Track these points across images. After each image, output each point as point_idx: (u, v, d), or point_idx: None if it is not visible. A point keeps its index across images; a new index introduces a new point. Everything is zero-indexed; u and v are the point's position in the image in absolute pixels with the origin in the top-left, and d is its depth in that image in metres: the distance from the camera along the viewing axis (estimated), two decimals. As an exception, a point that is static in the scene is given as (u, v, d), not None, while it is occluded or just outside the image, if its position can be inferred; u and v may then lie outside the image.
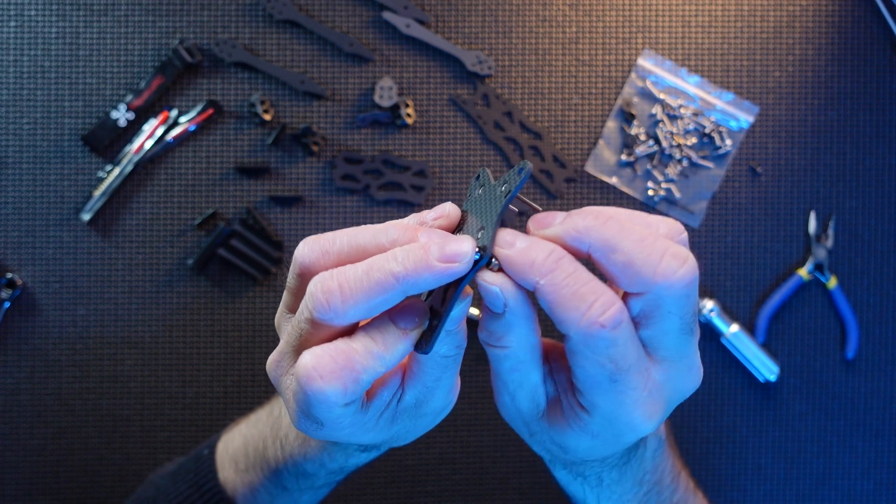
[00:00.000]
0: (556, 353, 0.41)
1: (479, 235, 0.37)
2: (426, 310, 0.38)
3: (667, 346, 0.36)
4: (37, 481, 0.85)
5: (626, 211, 0.37)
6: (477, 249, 0.36)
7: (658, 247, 0.34)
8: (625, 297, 0.36)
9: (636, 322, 0.36)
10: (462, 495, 0.88)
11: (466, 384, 0.86)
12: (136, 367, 0.85)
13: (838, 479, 0.90)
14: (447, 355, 0.39)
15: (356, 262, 0.36)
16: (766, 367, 0.87)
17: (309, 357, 0.35)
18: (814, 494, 0.90)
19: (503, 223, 0.37)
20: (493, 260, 0.36)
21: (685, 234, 0.37)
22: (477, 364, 0.86)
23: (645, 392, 0.36)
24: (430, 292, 0.40)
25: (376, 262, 0.35)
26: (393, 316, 0.37)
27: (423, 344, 0.37)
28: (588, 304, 0.33)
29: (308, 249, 0.38)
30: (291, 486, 0.53)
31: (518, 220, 0.39)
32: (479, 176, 0.40)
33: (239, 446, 0.57)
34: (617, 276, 0.34)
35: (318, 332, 0.37)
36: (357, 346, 0.36)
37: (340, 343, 0.36)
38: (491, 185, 0.38)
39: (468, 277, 0.36)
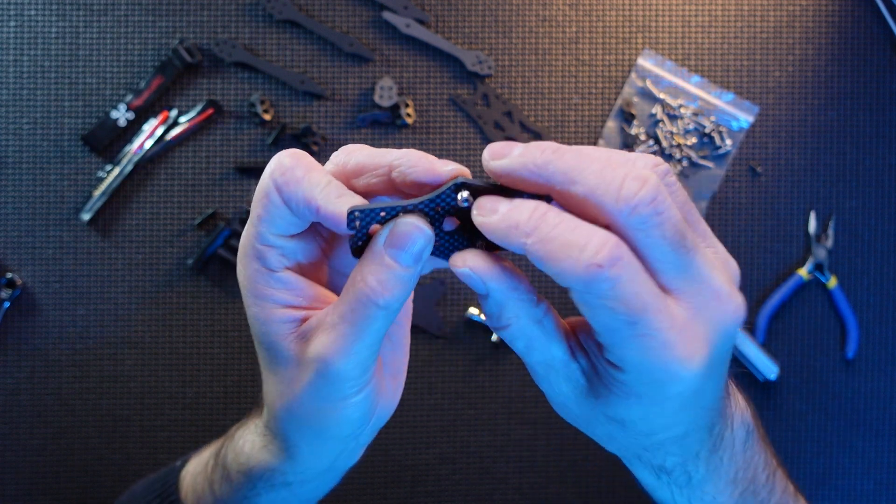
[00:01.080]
0: (581, 324, 0.38)
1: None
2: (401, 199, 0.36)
3: (667, 271, 0.33)
4: (37, 481, 0.85)
5: (598, 148, 0.34)
6: (464, 176, 0.36)
7: (618, 173, 0.32)
8: None
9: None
10: (462, 495, 0.88)
11: (466, 384, 0.86)
12: (136, 367, 0.85)
13: (838, 479, 0.90)
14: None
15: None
16: (766, 367, 0.87)
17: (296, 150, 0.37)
18: (814, 494, 0.90)
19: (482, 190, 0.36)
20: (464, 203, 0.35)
21: (664, 166, 0.35)
22: (476, 364, 0.86)
23: (673, 331, 0.32)
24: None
25: (392, 151, 0.37)
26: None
27: (354, 212, 0.35)
28: (580, 248, 0.31)
29: (351, 148, 0.39)
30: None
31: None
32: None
33: (203, 457, 0.54)
34: (580, 210, 0.33)
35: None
36: (325, 176, 0.36)
37: (319, 166, 0.37)
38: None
39: (441, 193, 0.35)
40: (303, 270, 0.39)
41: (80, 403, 0.85)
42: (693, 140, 0.88)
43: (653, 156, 0.35)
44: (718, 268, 0.35)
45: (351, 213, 0.34)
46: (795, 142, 0.89)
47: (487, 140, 0.87)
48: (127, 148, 0.84)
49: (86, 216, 0.83)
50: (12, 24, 0.84)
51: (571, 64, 0.88)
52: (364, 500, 0.87)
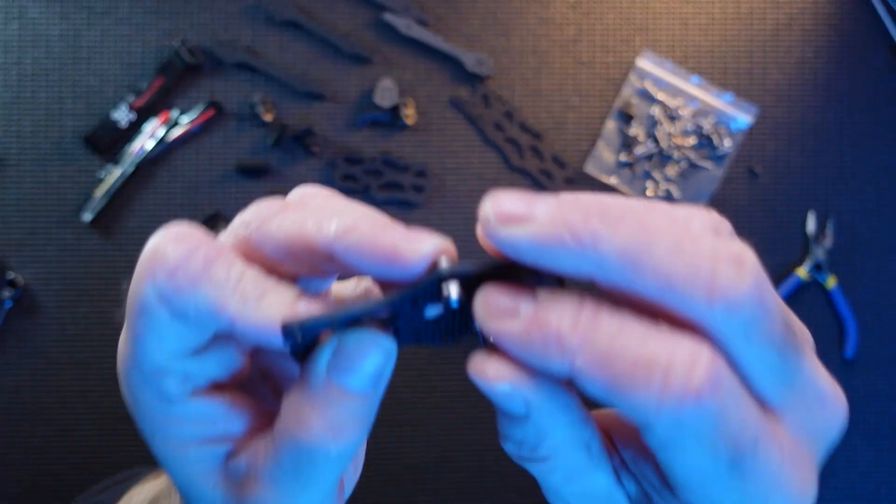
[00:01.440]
0: (622, 431, 0.28)
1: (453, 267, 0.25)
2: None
3: (771, 382, 0.24)
4: (38, 480, 0.85)
5: (634, 201, 0.24)
6: (449, 258, 0.25)
7: (704, 251, 0.22)
8: None
9: None
10: (462, 495, 0.88)
11: (466, 384, 0.86)
12: (137, 367, 0.86)
13: (838, 479, 0.90)
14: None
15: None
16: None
17: (182, 225, 0.27)
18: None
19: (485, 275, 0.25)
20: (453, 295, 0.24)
21: (728, 225, 0.25)
22: (477, 364, 0.87)
23: (784, 464, 0.24)
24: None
25: (337, 209, 0.27)
26: (306, 298, 0.26)
27: (291, 328, 0.25)
28: (662, 370, 0.21)
29: (308, 188, 0.30)
30: None
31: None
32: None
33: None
34: (639, 302, 0.23)
35: (230, 238, 0.28)
36: (236, 267, 0.26)
37: (225, 246, 0.27)
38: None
39: (412, 292, 0.25)
40: (222, 386, 0.29)
41: (81, 403, 0.85)
42: (692, 141, 0.88)
43: (704, 209, 0.25)
44: (818, 362, 0.26)
45: (286, 326, 0.25)
46: (794, 142, 0.89)
47: (487, 140, 0.87)
48: (128, 149, 0.84)
49: (87, 217, 0.84)
50: (14, 25, 0.84)
51: (571, 65, 0.88)
52: (364, 500, 0.87)
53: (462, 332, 0.27)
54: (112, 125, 0.84)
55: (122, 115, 0.84)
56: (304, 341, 0.25)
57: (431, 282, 0.25)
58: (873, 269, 0.90)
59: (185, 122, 0.84)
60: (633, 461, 0.27)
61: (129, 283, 0.28)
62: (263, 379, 0.33)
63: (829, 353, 0.90)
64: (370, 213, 0.26)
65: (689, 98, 0.88)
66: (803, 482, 0.25)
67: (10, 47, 0.84)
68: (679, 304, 0.22)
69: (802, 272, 0.88)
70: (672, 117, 0.88)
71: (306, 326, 0.25)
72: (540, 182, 0.87)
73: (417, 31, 0.86)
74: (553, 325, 0.22)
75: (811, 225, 0.89)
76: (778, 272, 0.89)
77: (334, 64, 0.86)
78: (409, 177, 0.86)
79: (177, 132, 0.84)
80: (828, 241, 0.89)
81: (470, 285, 0.25)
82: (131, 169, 0.84)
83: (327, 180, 0.86)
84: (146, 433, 0.29)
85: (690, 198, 0.88)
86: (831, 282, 0.88)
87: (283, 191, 0.86)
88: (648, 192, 0.88)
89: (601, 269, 0.22)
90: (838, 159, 0.90)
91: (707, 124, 0.88)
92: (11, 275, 0.83)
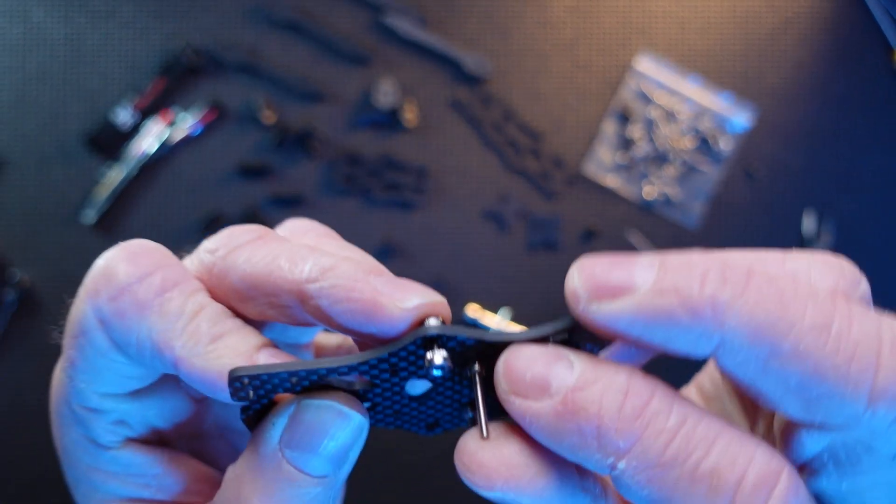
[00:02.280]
0: None
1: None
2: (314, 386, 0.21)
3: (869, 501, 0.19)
4: (40, 479, 0.86)
5: (749, 253, 0.20)
6: (440, 318, 0.21)
7: (866, 334, 0.17)
8: (784, 430, 0.20)
9: (809, 469, 0.19)
10: (462, 495, 0.88)
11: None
12: (139, 367, 0.86)
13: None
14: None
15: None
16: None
17: (147, 241, 0.23)
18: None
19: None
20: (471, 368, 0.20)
21: (865, 282, 0.22)
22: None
23: None
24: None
25: (314, 248, 0.23)
26: (270, 349, 0.22)
27: (239, 375, 0.20)
28: (728, 495, 0.17)
29: (298, 223, 0.26)
30: None
31: None
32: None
33: None
34: (784, 397, 0.18)
35: (193, 267, 0.24)
36: (195, 299, 0.22)
37: (188, 273, 0.23)
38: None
39: (392, 350, 0.20)
40: (160, 436, 0.25)
41: (83, 402, 0.86)
42: (690, 142, 0.88)
43: (830, 257, 0.22)
44: None
45: (236, 378, 0.20)
46: (791, 144, 0.90)
47: (486, 141, 0.88)
48: (131, 150, 0.85)
49: (90, 217, 0.84)
50: (18, 28, 0.85)
51: (569, 67, 0.89)
52: (364, 499, 0.87)
53: (454, 419, 0.22)
54: (114, 127, 0.84)
55: (125, 117, 0.84)
56: (255, 399, 0.20)
57: (413, 343, 0.20)
58: (871, 270, 0.90)
59: (188, 123, 0.85)
60: None
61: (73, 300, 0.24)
62: (219, 434, 0.28)
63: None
64: (357, 257, 0.22)
65: (686, 100, 0.89)
66: None
67: (14, 50, 0.85)
68: (824, 400, 0.16)
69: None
70: (670, 119, 0.89)
71: (259, 380, 0.20)
72: (538, 183, 0.88)
73: (417, 34, 0.86)
74: (593, 411, 0.17)
75: (808, 225, 0.89)
76: (775, 272, 0.90)
77: (335, 66, 0.87)
78: (409, 177, 0.87)
79: (179, 133, 0.85)
80: (825, 242, 0.89)
81: (466, 356, 0.20)
82: (134, 170, 0.84)
83: (328, 181, 0.87)
84: (69, 480, 0.25)
85: (688, 198, 0.89)
86: (828, 282, 0.89)
87: (284, 191, 0.86)
88: (646, 193, 0.88)
89: (725, 348, 0.17)
90: (835, 160, 0.90)
91: (705, 126, 0.88)
92: (15, 275, 0.84)
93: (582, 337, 0.19)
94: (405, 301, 0.20)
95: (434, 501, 0.88)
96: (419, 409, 0.22)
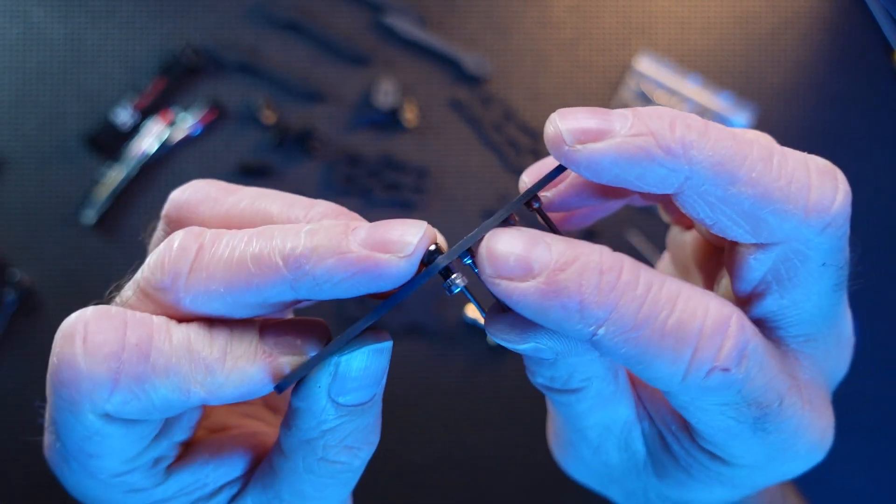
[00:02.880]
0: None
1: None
2: (323, 333, 0.24)
3: (813, 318, 0.23)
4: (41, 479, 0.86)
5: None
6: (433, 246, 0.22)
7: (798, 163, 0.22)
8: (730, 254, 0.23)
9: (756, 295, 0.23)
10: (462, 495, 0.88)
11: (465, 383, 0.87)
12: (139, 367, 0.86)
13: (837, 479, 0.91)
14: (331, 443, 0.24)
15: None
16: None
17: (80, 312, 0.23)
18: (813, 495, 0.91)
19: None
20: (471, 266, 0.22)
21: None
22: (476, 364, 0.87)
23: (804, 411, 0.23)
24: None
25: (265, 232, 0.22)
26: (265, 326, 0.23)
27: (286, 384, 0.23)
28: (692, 342, 0.20)
29: (192, 190, 0.26)
30: None
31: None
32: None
33: None
34: (738, 221, 0.21)
35: (144, 306, 0.23)
36: (176, 335, 0.22)
37: (148, 316, 0.22)
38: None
39: (408, 290, 0.22)
40: (192, 441, 0.26)
41: (83, 402, 0.86)
42: (690, 142, 0.89)
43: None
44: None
45: (282, 385, 0.22)
46: (791, 144, 0.89)
47: (486, 141, 0.88)
48: (130, 150, 0.85)
49: (90, 217, 0.84)
50: (18, 28, 0.85)
51: (569, 67, 0.89)
52: (364, 499, 0.87)
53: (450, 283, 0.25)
54: (114, 126, 0.84)
55: (125, 117, 0.84)
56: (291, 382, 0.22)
57: (429, 275, 0.22)
58: (870, 270, 0.90)
59: (188, 123, 0.85)
60: (649, 400, 0.26)
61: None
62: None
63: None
64: (311, 214, 0.23)
65: (686, 100, 0.89)
66: (823, 425, 0.24)
67: (13, 49, 0.85)
68: (772, 217, 0.20)
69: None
70: (670, 119, 0.89)
71: (295, 373, 0.22)
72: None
73: (417, 33, 0.86)
74: (573, 289, 0.20)
75: (808, 225, 0.89)
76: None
77: (335, 66, 0.87)
78: (409, 177, 0.87)
79: (179, 133, 0.85)
80: (825, 242, 0.89)
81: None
82: (134, 170, 0.84)
83: (327, 181, 0.87)
84: None
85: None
86: (828, 282, 0.89)
87: (284, 191, 0.86)
88: (647, 193, 0.88)
89: (692, 181, 0.20)
90: (835, 160, 0.90)
91: (705, 125, 0.88)
92: (15, 275, 0.84)
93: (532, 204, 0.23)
94: (403, 249, 0.21)
95: (434, 501, 0.88)
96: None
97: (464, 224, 0.87)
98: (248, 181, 0.86)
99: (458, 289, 0.22)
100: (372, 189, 0.86)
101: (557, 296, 0.20)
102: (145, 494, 0.24)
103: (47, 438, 0.24)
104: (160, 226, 0.27)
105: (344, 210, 0.25)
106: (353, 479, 0.26)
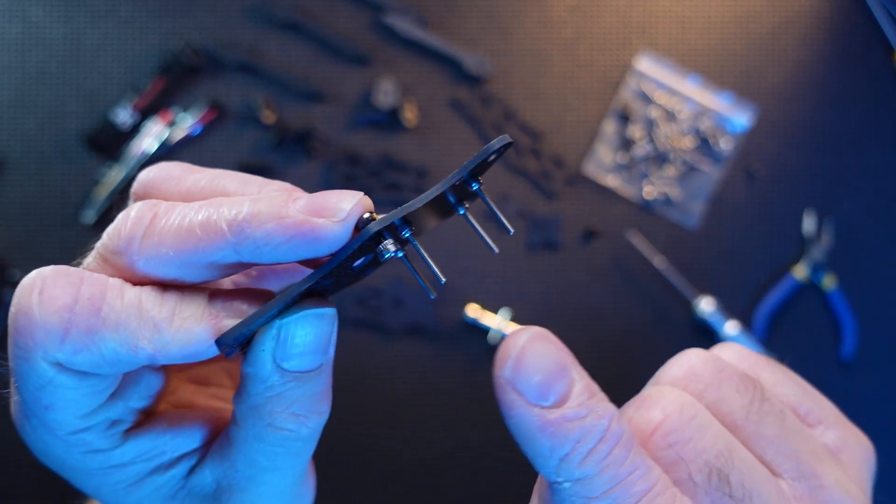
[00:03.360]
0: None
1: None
2: (266, 300, 0.25)
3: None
4: (41, 479, 0.86)
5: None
6: (368, 214, 0.24)
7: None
8: None
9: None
10: (462, 494, 0.88)
11: (466, 384, 0.87)
12: (138, 367, 0.86)
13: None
14: (277, 409, 0.25)
15: None
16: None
17: (39, 270, 0.24)
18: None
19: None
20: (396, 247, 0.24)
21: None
22: (476, 364, 0.87)
23: None
24: None
25: (213, 202, 0.24)
26: (216, 294, 0.25)
27: (227, 340, 0.24)
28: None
29: (158, 170, 0.28)
30: None
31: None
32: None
33: None
34: None
35: (102, 270, 0.25)
36: (128, 295, 0.23)
37: (104, 277, 0.24)
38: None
39: (342, 254, 0.23)
40: (150, 409, 0.27)
41: (83, 402, 0.86)
42: (690, 142, 0.88)
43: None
44: None
45: (223, 344, 0.23)
46: (792, 143, 0.90)
47: (486, 141, 0.88)
48: (130, 149, 0.85)
49: (89, 217, 0.84)
50: (17, 27, 0.85)
51: (569, 66, 0.89)
52: (364, 499, 0.88)
53: (372, 265, 0.26)
54: (114, 126, 0.84)
55: (125, 117, 0.84)
56: (240, 345, 0.24)
57: (361, 245, 0.23)
58: (871, 271, 0.90)
59: (187, 123, 0.85)
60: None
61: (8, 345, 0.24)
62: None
63: (826, 355, 0.90)
64: (261, 199, 0.23)
65: (686, 100, 0.89)
66: None
67: (12, 49, 0.85)
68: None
69: (800, 273, 0.88)
70: (670, 119, 0.89)
71: (242, 335, 0.23)
72: (538, 183, 0.88)
73: (417, 33, 0.86)
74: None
75: (808, 225, 0.89)
76: (776, 273, 0.90)
77: (335, 65, 0.87)
78: (409, 177, 0.87)
79: (179, 133, 0.85)
80: (825, 242, 0.89)
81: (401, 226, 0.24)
82: (134, 170, 0.84)
83: (327, 181, 0.87)
84: (89, 490, 0.26)
85: (688, 198, 0.89)
86: (828, 283, 0.89)
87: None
88: (646, 193, 0.88)
89: None
90: (836, 160, 0.90)
91: (705, 126, 0.88)
92: (15, 275, 0.84)
93: (474, 176, 0.25)
94: (337, 214, 0.22)
95: (434, 501, 0.88)
96: (358, 273, 0.26)
97: (464, 224, 0.87)
98: (247, 181, 0.86)
99: (389, 254, 0.23)
100: (372, 189, 0.86)
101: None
102: (103, 456, 0.25)
103: (12, 399, 0.26)
104: (130, 203, 0.28)
105: (298, 189, 0.26)
106: (303, 449, 0.26)
